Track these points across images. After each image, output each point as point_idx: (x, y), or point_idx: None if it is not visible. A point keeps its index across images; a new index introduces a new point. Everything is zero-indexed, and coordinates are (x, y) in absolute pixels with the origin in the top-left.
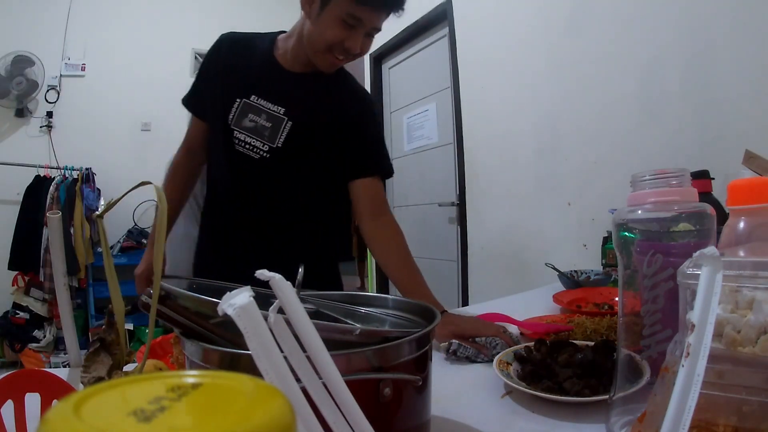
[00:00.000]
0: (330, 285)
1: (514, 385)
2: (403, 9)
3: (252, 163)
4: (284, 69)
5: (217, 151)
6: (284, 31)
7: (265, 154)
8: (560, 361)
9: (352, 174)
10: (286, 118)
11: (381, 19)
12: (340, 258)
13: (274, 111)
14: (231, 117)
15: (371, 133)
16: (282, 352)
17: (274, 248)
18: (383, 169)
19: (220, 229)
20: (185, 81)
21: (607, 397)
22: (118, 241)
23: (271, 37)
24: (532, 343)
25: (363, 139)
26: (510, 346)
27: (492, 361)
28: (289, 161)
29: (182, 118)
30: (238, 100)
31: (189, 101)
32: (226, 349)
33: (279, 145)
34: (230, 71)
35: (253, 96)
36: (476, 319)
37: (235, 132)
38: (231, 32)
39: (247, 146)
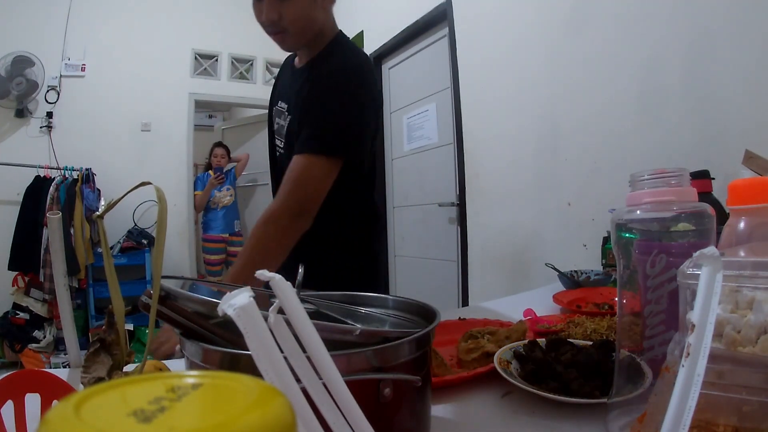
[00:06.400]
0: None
1: (519, 385)
2: None
3: (281, 160)
4: (295, 68)
5: (270, 157)
6: None
7: (283, 150)
8: (563, 361)
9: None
10: (287, 113)
11: None
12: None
13: (283, 109)
14: (272, 125)
15: (315, 109)
16: (282, 352)
17: (311, 241)
18: (307, 146)
19: None
20: (185, 81)
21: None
22: (118, 242)
23: None
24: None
25: (311, 115)
26: None
27: None
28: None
29: (182, 118)
30: (273, 109)
31: None
32: (226, 349)
33: (284, 139)
34: (273, 88)
35: (279, 102)
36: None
37: (275, 138)
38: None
39: (278, 147)
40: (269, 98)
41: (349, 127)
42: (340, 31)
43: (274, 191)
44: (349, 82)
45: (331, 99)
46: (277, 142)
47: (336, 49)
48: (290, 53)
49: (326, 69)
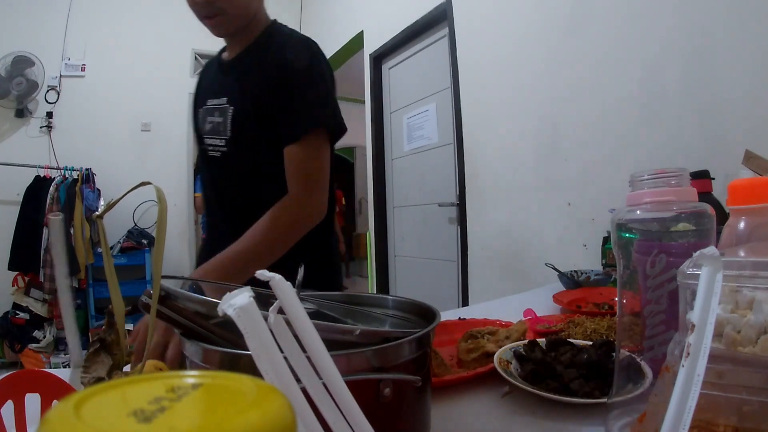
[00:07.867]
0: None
1: (520, 385)
2: None
3: (218, 162)
4: (224, 62)
5: (200, 163)
6: None
7: (224, 149)
8: (563, 361)
9: (282, 144)
10: (228, 105)
11: None
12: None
13: (220, 104)
14: (199, 128)
15: (296, 91)
16: (282, 352)
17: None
18: (303, 128)
19: (212, 232)
20: (185, 81)
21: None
22: (118, 242)
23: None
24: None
25: (287, 101)
26: None
27: None
28: (242, 147)
29: (182, 119)
30: (200, 110)
31: None
32: (226, 349)
33: (228, 134)
34: (196, 90)
35: (208, 100)
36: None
37: (205, 139)
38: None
39: (212, 148)
40: (192, 104)
41: (331, 97)
42: (275, 19)
43: (207, 196)
44: (311, 54)
45: (305, 73)
46: (212, 142)
47: (277, 30)
48: (207, 60)
49: (278, 47)
